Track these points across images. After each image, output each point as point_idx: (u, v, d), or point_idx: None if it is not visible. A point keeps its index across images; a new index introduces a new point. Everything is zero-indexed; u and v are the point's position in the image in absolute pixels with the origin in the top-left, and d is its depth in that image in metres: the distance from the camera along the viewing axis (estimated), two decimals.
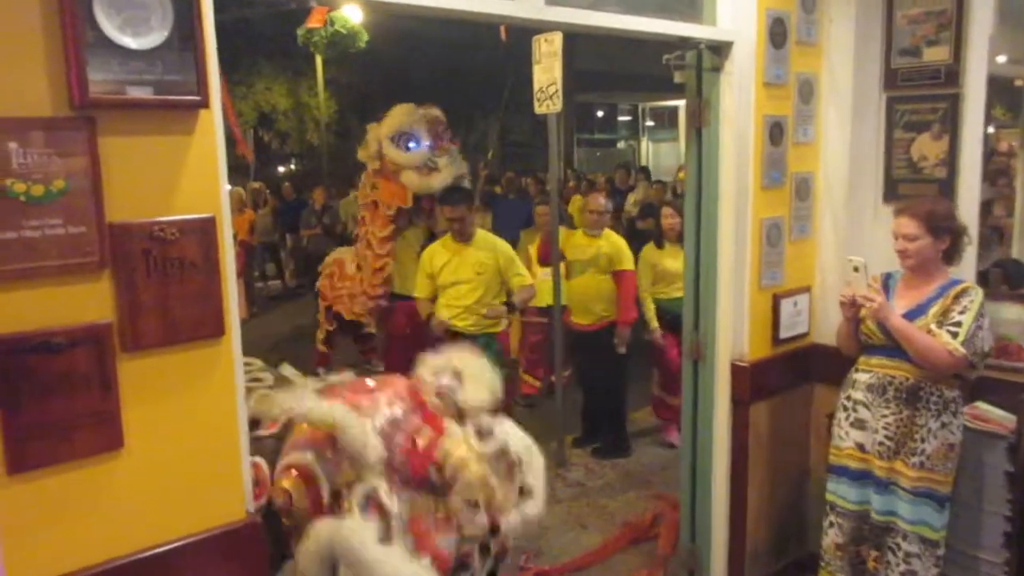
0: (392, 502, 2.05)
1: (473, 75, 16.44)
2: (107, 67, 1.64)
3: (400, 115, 5.13)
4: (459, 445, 2.21)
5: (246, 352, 1.97)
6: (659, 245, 5.16)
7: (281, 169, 19.29)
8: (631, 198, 10.36)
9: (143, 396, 1.72)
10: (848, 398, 2.89)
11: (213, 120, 1.83)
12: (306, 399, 2.19)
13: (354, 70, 16.00)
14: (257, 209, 11.81)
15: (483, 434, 2.28)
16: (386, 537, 2.01)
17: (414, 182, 5.12)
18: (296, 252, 11.66)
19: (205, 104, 1.79)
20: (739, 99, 3.10)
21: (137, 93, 1.70)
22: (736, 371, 3.20)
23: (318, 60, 14.02)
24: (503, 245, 4.56)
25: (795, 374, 3.45)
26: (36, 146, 1.59)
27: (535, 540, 3.83)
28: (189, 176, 1.79)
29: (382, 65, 15.16)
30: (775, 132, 3.20)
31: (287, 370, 3.04)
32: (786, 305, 3.33)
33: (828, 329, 3.26)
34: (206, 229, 1.81)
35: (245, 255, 9.23)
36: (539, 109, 4.63)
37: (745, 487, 3.34)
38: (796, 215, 3.35)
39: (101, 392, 1.66)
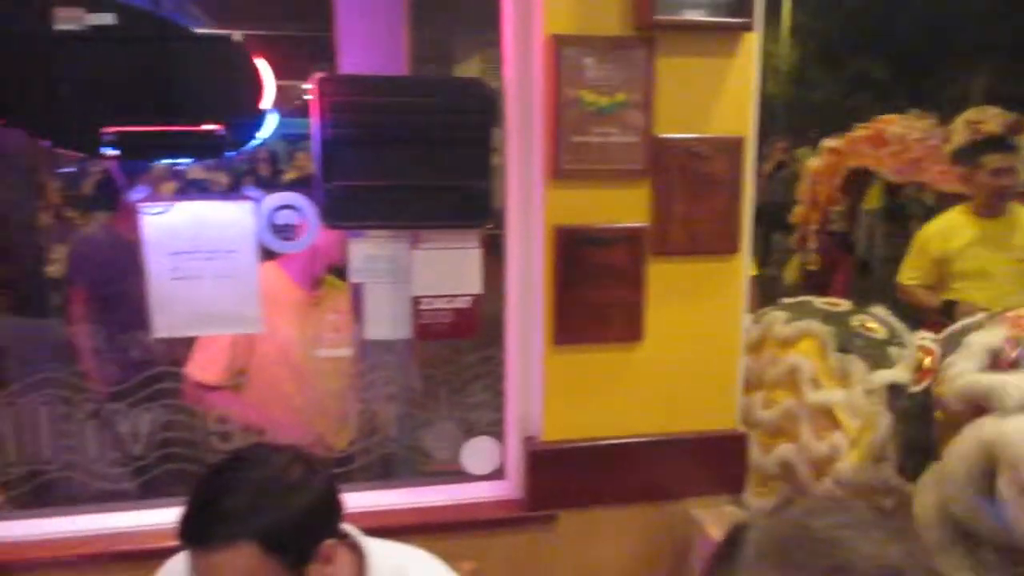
0: None
1: (960, 18, 14.45)
2: None
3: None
4: None
5: None
6: None
7: None
8: None
9: (664, 298, 1.88)
10: None
11: (754, 43, 1.88)
12: None
13: (818, 14, 15.10)
14: None
15: None
16: None
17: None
18: None
19: (749, 27, 1.84)
20: None
21: (692, 15, 1.81)
22: None
23: (784, 3, 13.49)
24: None
25: None
26: (605, 62, 1.79)
27: None
28: (727, 97, 1.87)
29: (848, 7, 14.03)
30: None
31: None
32: None
33: None
34: (736, 149, 1.88)
35: None
36: None
37: None
38: None
39: (632, 288, 1.85)
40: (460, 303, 1.88)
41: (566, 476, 1.87)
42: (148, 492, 2.00)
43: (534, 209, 1.84)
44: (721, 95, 1.87)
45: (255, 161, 7.56)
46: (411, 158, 1.79)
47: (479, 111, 1.81)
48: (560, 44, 1.76)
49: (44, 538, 1.82)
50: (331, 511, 1.17)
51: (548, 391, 1.85)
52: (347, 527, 1.27)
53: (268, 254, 1.89)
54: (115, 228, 2.86)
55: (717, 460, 1.96)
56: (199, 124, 1.62)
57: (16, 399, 1.97)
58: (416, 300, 1.85)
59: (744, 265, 1.95)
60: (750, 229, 1.94)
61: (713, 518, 1.93)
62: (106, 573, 1.79)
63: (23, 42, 1.61)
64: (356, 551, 1.27)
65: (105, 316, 2.71)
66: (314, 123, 1.74)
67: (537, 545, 1.91)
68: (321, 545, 1.14)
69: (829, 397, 2.10)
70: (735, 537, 0.69)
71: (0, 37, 1.60)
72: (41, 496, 2.01)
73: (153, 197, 1.79)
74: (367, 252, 1.85)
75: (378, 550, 1.28)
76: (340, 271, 2.28)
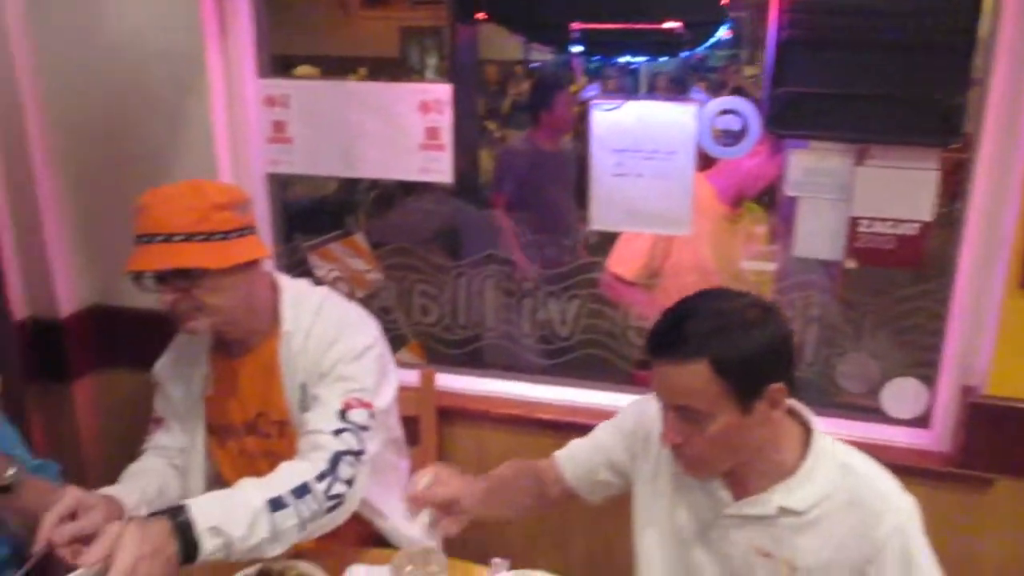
0: None
1: None
2: None
3: None
4: None
5: None
6: None
7: None
8: None
9: None
10: None
11: None
12: None
13: None
14: None
15: None
16: None
17: None
18: None
19: None
20: None
21: None
22: None
23: None
24: None
25: None
26: None
27: None
28: None
29: None
30: None
31: None
32: None
33: None
34: None
35: None
36: None
37: None
38: None
39: None
40: (905, 229, 1.70)
41: (1010, 438, 1.63)
42: (565, 371, 2.18)
43: (1019, 130, 1.57)
44: None
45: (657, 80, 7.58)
46: (874, 64, 1.63)
47: (965, 10, 1.58)
48: None
49: (478, 394, 2.09)
50: (783, 355, 1.16)
51: (1001, 339, 1.61)
52: (799, 407, 1.26)
53: (699, 163, 1.88)
54: (534, 140, 3.12)
55: None
56: (660, 22, 1.64)
57: (466, 270, 2.26)
58: (854, 221, 1.72)
59: None
60: None
61: None
62: (522, 434, 2.00)
63: None
64: (805, 428, 1.25)
65: (526, 217, 2.99)
66: (771, 24, 1.66)
67: (963, 508, 1.71)
68: (769, 387, 1.14)
69: None
70: None
71: None
72: (478, 357, 2.30)
73: (603, 96, 1.86)
74: (807, 165, 1.75)
75: (826, 437, 1.24)
76: (763, 198, 2.22)
